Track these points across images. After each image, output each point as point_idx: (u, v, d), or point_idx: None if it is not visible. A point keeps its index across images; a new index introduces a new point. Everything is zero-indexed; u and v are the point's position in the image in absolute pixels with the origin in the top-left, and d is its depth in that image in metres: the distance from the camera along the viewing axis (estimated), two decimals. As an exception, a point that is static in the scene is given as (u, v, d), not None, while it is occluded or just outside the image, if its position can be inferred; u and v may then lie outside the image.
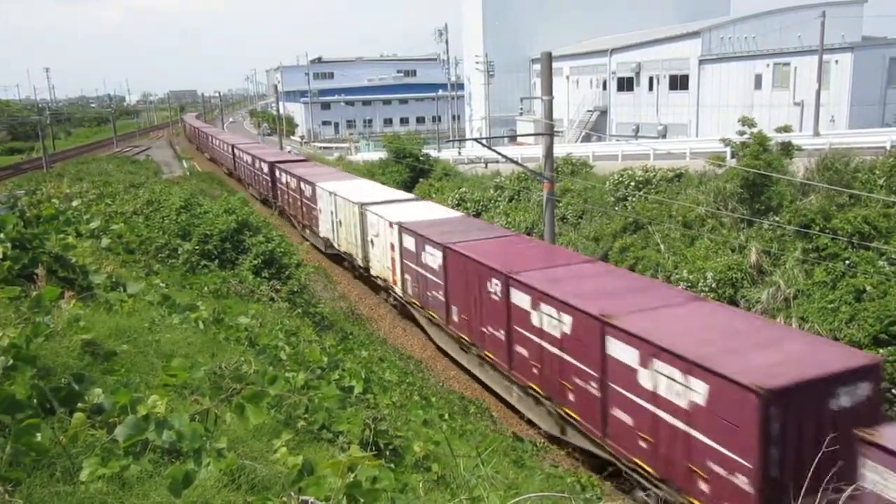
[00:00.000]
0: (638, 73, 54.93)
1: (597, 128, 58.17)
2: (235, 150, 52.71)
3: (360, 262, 25.49)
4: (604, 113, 58.57)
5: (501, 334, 15.84)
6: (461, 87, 75.50)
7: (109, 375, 4.70)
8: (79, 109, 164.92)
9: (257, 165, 43.72)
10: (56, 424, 3.53)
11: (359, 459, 3.73)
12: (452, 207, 31.56)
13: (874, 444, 7.82)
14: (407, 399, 11.99)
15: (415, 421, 8.90)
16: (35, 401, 3.64)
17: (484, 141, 28.56)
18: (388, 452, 5.94)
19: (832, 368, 9.49)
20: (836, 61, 40.04)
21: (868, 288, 18.56)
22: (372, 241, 24.14)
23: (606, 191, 28.58)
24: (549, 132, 20.13)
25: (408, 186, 38.99)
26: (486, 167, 43.10)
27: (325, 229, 29.89)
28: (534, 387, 14.71)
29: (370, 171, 43.49)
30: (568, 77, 63.57)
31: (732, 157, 26.36)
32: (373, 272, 24.63)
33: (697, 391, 9.95)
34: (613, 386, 11.89)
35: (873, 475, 7.80)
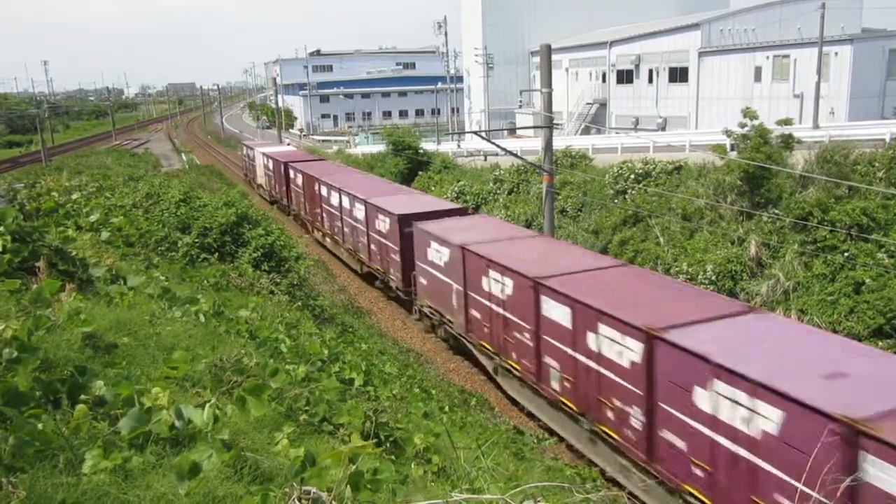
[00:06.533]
0: (637, 66, 54.80)
1: (596, 120, 58.07)
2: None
3: None
4: (603, 105, 58.47)
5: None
6: (460, 79, 75.27)
7: (111, 368, 4.71)
8: (77, 102, 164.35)
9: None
10: (59, 416, 3.54)
11: (360, 450, 3.74)
12: (451, 200, 31.47)
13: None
14: (407, 391, 12.03)
15: (415, 413, 8.94)
16: (39, 393, 3.65)
17: (483, 134, 28.47)
18: (388, 444, 5.96)
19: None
20: (836, 53, 39.95)
21: (867, 280, 18.59)
22: None
23: (606, 183, 28.53)
24: (548, 125, 20.09)
25: (406, 179, 38.93)
26: (485, 160, 43.06)
27: None
28: None
29: (370, 165, 43.40)
30: (567, 69, 63.43)
31: (732, 149, 26.33)
32: None
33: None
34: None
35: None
